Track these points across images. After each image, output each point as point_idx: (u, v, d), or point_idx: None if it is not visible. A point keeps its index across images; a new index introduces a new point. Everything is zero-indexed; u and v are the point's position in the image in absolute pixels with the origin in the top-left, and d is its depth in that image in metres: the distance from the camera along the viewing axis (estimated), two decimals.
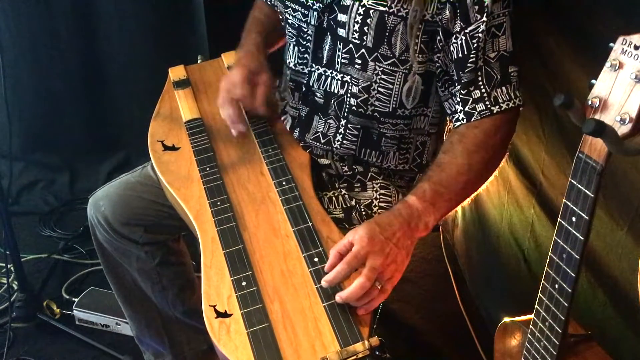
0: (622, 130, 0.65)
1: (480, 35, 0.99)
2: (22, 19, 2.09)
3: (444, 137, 1.23)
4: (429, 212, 0.97)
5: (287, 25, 1.18)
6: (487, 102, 1.02)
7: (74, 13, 2.10)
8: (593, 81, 0.68)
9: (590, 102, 0.68)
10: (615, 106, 0.66)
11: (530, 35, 1.24)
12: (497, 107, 1.02)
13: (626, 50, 0.65)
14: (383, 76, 1.07)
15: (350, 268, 0.91)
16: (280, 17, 1.23)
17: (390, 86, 1.08)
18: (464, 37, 1.01)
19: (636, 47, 0.64)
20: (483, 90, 1.02)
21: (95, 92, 2.22)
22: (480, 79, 1.02)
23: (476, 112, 1.02)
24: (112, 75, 2.20)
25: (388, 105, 1.10)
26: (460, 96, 1.03)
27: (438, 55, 1.05)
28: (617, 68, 0.66)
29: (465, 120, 1.03)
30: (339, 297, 0.89)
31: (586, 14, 1.04)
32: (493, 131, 1.03)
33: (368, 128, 1.13)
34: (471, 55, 1.01)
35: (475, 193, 1.05)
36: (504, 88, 1.02)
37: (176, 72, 1.42)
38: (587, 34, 1.03)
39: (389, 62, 1.06)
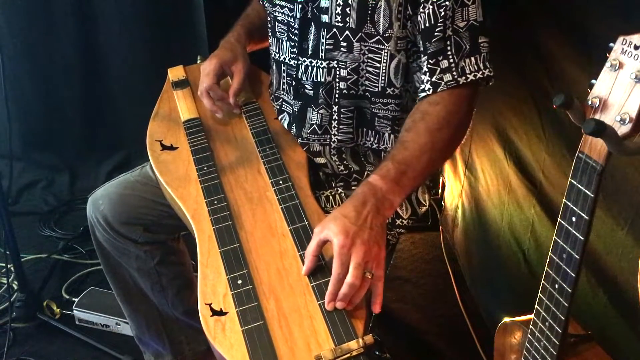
0: (622, 130, 0.64)
1: (447, 3, 0.99)
2: (22, 19, 2.10)
3: None
4: (393, 190, 0.96)
5: (277, 23, 1.19)
6: (455, 73, 1.01)
7: (74, 13, 2.11)
8: (593, 81, 0.68)
9: (590, 102, 0.68)
10: (615, 106, 0.65)
11: (530, 35, 1.24)
12: (464, 77, 1.01)
13: (626, 50, 0.65)
14: (369, 55, 1.07)
15: (346, 273, 0.89)
16: (268, 17, 1.23)
17: (378, 64, 1.08)
18: (431, 7, 1.00)
19: (636, 47, 0.64)
20: (451, 60, 1.01)
21: (95, 92, 2.23)
22: (449, 48, 1.01)
23: (443, 83, 1.01)
24: (111, 76, 2.21)
25: (377, 84, 1.10)
26: (428, 66, 1.02)
27: (407, 24, 1.04)
28: (617, 68, 0.65)
29: (431, 90, 1.02)
30: (339, 303, 0.88)
31: (586, 14, 1.04)
32: (456, 109, 1.02)
33: (361, 108, 1.13)
34: (439, 24, 1.00)
35: (438, 168, 1.05)
36: (472, 58, 1.01)
37: (175, 73, 1.42)
38: (587, 34, 1.03)
39: (373, 40, 1.06)
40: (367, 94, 1.11)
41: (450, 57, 1.01)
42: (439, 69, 1.01)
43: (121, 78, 2.20)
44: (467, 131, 1.07)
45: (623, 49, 0.65)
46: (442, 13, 0.99)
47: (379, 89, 1.10)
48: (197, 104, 1.32)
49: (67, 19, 2.11)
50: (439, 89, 1.01)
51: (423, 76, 1.03)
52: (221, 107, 1.26)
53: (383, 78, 1.09)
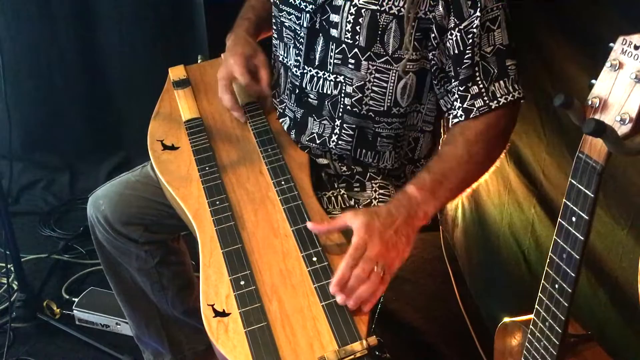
0: (622, 130, 0.65)
1: (474, 30, 1.00)
2: (22, 20, 2.09)
3: (441, 133, 1.23)
4: (428, 201, 0.98)
5: (284, 28, 1.19)
6: (486, 98, 1.02)
7: (74, 13, 2.10)
8: (593, 81, 0.68)
9: (590, 102, 0.68)
10: (615, 106, 0.66)
11: (530, 35, 1.24)
12: (495, 102, 1.02)
13: (626, 51, 0.65)
14: (377, 75, 1.07)
15: (355, 263, 0.91)
16: (274, 20, 1.23)
17: (385, 84, 1.08)
18: (458, 34, 1.01)
19: (636, 47, 0.64)
20: (481, 86, 1.02)
21: (95, 92, 2.23)
22: (477, 74, 1.02)
23: (475, 109, 1.03)
24: (112, 76, 2.21)
25: (383, 104, 1.10)
26: (459, 93, 1.04)
27: (433, 52, 1.05)
28: (617, 68, 0.66)
29: (463, 117, 1.04)
30: (340, 297, 0.89)
31: (587, 14, 1.04)
32: (494, 123, 1.03)
33: (363, 128, 1.13)
34: (467, 51, 1.01)
35: (476, 183, 1.06)
36: (501, 82, 1.02)
37: (176, 72, 1.42)
38: (587, 34, 1.03)
39: (382, 60, 1.06)
40: (370, 113, 1.11)
41: (480, 82, 1.02)
42: (469, 95, 1.02)
43: (121, 78, 2.20)
44: (506, 145, 1.08)
45: (623, 49, 0.65)
46: (470, 40, 1.00)
47: (385, 109, 1.10)
48: (199, 103, 1.32)
49: (67, 19, 2.10)
50: (471, 115, 1.03)
51: (455, 102, 1.05)
52: (240, 109, 1.24)
53: (389, 98, 1.09)
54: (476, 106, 1.02)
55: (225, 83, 1.22)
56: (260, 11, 1.32)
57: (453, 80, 1.04)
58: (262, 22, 1.31)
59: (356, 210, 0.97)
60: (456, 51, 1.02)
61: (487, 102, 1.02)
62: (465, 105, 1.03)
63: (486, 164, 1.06)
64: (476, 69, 1.01)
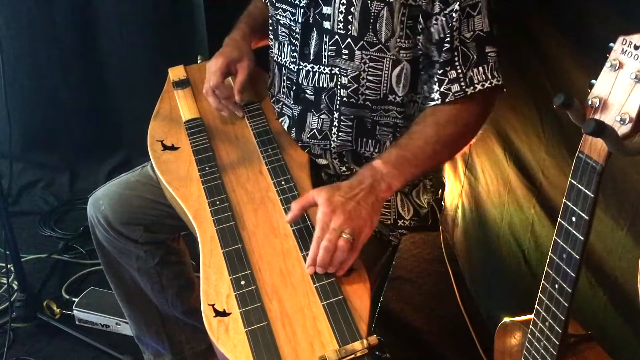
0: (622, 130, 0.65)
1: (454, 15, 1.01)
2: (22, 19, 2.09)
3: None
4: (392, 174, 1.00)
5: (279, 26, 1.19)
6: (462, 83, 1.03)
7: (74, 13, 2.10)
8: (593, 81, 0.69)
9: (590, 102, 0.68)
10: (615, 106, 0.66)
11: (530, 35, 1.24)
12: (472, 87, 1.03)
13: (626, 50, 0.65)
14: (371, 64, 1.08)
15: (322, 240, 0.93)
16: (270, 20, 1.23)
17: (379, 72, 1.09)
18: (443, 19, 1.02)
19: (636, 47, 0.64)
20: (459, 71, 1.03)
21: (95, 92, 2.23)
22: (456, 59, 1.03)
23: (451, 93, 1.04)
24: (112, 75, 2.21)
25: (378, 92, 1.10)
26: (437, 76, 1.05)
27: (419, 38, 1.05)
28: (617, 68, 0.66)
29: (440, 100, 1.05)
30: (319, 268, 0.92)
31: (586, 14, 1.04)
32: (468, 108, 1.05)
33: (362, 117, 1.14)
34: (447, 35, 1.02)
35: (444, 163, 1.07)
36: (480, 68, 1.03)
37: (176, 72, 1.42)
38: (587, 34, 1.03)
39: (375, 48, 1.07)
40: (367, 102, 1.12)
41: (458, 67, 1.03)
42: (447, 79, 1.03)
43: (121, 78, 2.20)
44: (477, 132, 1.09)
45: (623, 49, 0.65)
46: (450, 24, 1.01)
47: (381, 96, 1.11)
48: (199, 103, 1.32)
49: (67, 18, 2.10)
50: (447, 99, 1.04)
51: (434, 86, 1.06)
52: (227, 106, 1.26)
53: (385, 86, 1.09)
54: (452, 91, 1.03)
55: (205, 85, 1.24)
56: (257, 16, 1.33)
57: (435, 65, 1.05)
58: (259, 27, 1.32)
59: (320, 187, 1.00)
60: (439, 36, 1.03)
61: (464, 87, 1.03)
62: (442, 89, 1.04)
63: (455, 146, 1.08)
64: (455, 53, 1.02)
